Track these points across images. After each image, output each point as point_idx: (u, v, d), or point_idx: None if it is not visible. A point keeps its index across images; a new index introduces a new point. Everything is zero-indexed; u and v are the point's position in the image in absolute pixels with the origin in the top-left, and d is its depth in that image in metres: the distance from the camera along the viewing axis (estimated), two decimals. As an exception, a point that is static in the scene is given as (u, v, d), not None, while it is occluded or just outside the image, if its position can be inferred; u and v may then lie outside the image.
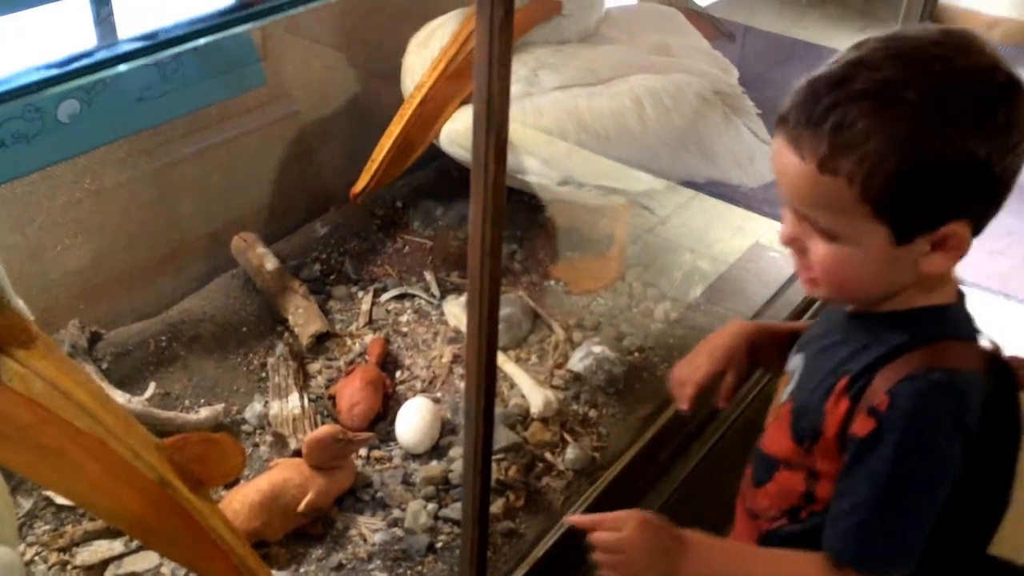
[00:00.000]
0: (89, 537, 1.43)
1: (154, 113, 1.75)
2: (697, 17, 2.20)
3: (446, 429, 1.70)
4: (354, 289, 1.97)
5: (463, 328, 1.90)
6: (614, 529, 1.10)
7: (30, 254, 1.69)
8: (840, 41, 3.32)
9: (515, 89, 1.85)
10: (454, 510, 1.57)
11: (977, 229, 0.99)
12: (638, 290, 2.08)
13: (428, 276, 2.02)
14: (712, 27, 2.23)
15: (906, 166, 0.92)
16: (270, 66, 1.97)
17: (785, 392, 1.16)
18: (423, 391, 1.78)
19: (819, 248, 1.00)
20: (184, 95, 1.78)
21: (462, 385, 1.78)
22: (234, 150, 1.97)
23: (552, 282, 2.08)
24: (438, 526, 1.55)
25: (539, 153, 1.89)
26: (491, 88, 1.12)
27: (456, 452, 1.66)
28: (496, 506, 1.57)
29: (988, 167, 0.93)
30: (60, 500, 1.47)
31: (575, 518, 1.17)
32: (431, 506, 1.57)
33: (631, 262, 2.16)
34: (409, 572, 1.48)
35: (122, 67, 0.81)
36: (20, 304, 0.91)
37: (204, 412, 1.65)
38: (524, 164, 1.90)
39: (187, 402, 1.68)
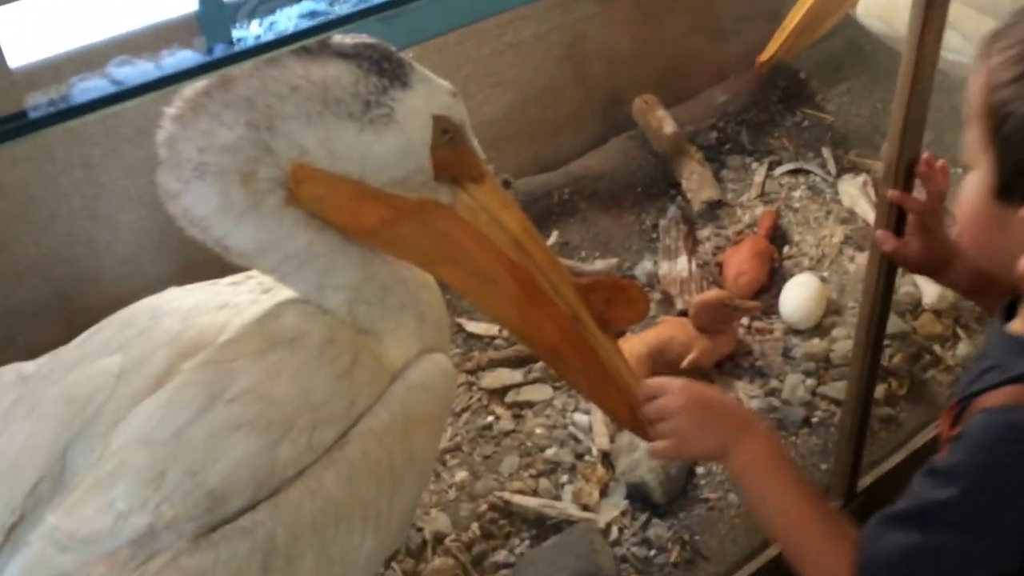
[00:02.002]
0: (493, 364, 1.58)
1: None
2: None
3: (831, 309, 1.69)
4: (748, 160, 1.97)
5: (857, 209, 1.85)
6: (657, 395, 1.05)
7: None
8: None
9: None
10: (833, 388, 1.57)
11: None
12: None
13: (826, 153, 1.97)
14: None
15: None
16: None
17: None
18: (810, 268, 1.76)
19: None
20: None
21: (851, 266, 1.76)
22: (639, 9, 2.00)
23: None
24: (815, 402, 1.56)
25: (962, 28, 1.76)
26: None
27: (839, 332, 1.64)
28: (878, 391, 1.55)
29: None
30: (471, 328, 1.63)
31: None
32: (809, 381, 1.58)
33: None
34: (783, 443, 1.51)
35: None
36: (474, 143, 1.00)
37: (599, 264, 1.75)
38: (952, 41, 1.78)
39: (583, 253, 1.78)
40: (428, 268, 1.05)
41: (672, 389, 1.05)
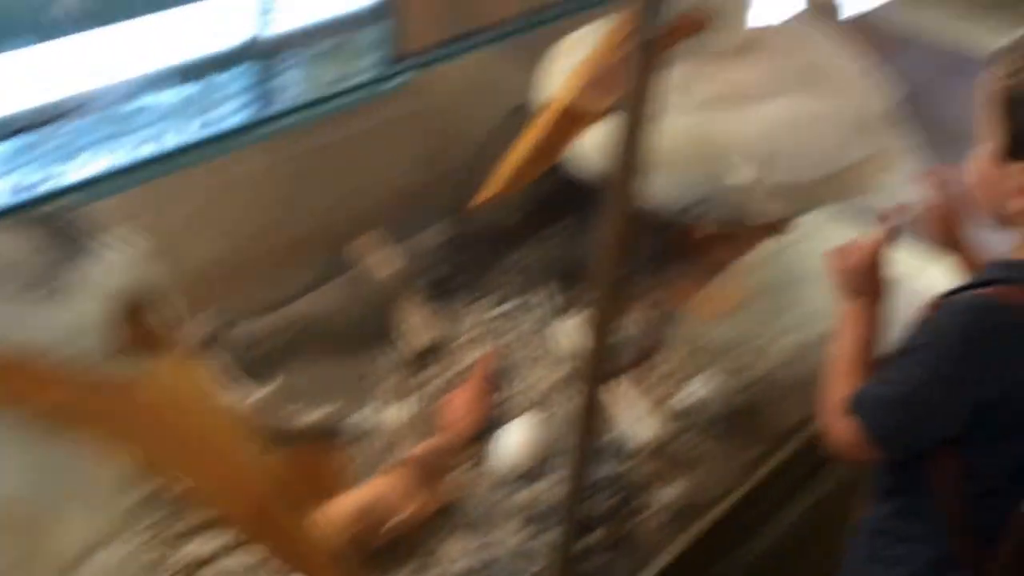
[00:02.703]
0: (196, 531, 1.49)
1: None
2: (854, 30, 2.10)
3: (548, 451, 1.70)
4: (471, 298, 1.98)
5: (574, 349, 1.89)
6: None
7: (171, 242, 1.75)
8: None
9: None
10: (549, 536, 1.56)
11: None
12: (758, 322, 2.03)
13: (548, 290, 2.01)
14: (869, 42, 2.12)
15: None
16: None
17: None
18: (528, 410, 1.78)
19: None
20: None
21: (568, 407, 1.78)
22: (363, 144, 1.99)
23: (677, 306, 2.04)
24: (531, 549, 1.55)
25: (675, 172, 1.84)
26: (636, 111, 1.11)
27: (556, 476, 1.65)
28: (589, 539, 1.56)
29: None
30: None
31: None
32: (525, 531, 1.57)
33: (755, 291, 2.10)
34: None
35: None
36: (164, 312, 0.95)
37: (314, 415, 1.69)
38: (658, 182, 1.85)
39: (298, 403, 1.73)
40: (112, 445, 0.98)
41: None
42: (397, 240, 2.03)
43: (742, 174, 1.84)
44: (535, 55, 1.94)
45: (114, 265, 0.90)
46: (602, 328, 1.20)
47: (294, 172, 1.91)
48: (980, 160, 1.24)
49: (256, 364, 1.72)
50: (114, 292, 0.90)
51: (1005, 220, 1.24)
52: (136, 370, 0.93)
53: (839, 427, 1.30)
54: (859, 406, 1.28)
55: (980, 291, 1.21)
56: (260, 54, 1.67)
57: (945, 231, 1.50)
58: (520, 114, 1.90)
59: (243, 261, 1.85)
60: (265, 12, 1.48)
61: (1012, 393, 1.18)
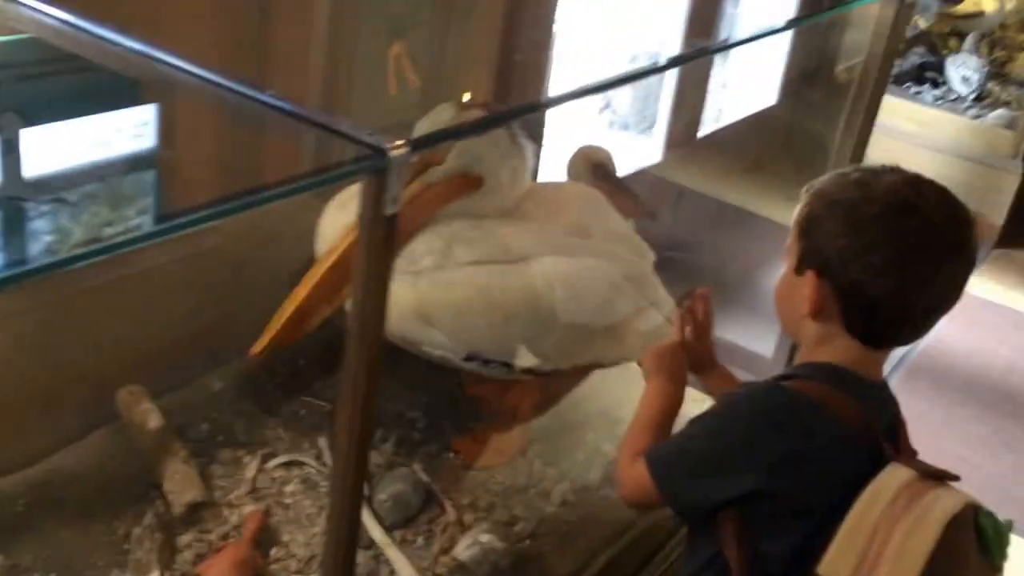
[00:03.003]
0: None
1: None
2: (620, 194, 2.21)
3: (318, 618, 1.62)
4: (241, 453, 1.89)
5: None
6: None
7: None
8: (772, 210, 3.39)
9: (428, 261, 1.86)
10: None
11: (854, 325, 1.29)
12: (538, 468, 2.04)
13: (322, 443, 1.95)
14: (634, 205, 2.23)
15: (818, 211, 1.30)
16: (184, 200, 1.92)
17: None
18: (299, 572, 1.70)
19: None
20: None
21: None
22: (131, 291, 1.91)
23: (452, 454, 2.03)
24: None
25: (446, 328, 1.86)
26: (365, 306, 1.10)
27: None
28: None
29: (880, 277, 1.25)
30: None
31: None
32: None
33: (534, 437, 2.11)
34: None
35: None
36: None
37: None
38: (431, 337, 1.86)
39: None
40: None
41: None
42: (169, 389, 1.95)
43: (515, 327, 1.88)
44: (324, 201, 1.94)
45: None
46: (349, 485, 1.18)
47: (54, 317, 1.80)
48: (780, 280, 1.38)
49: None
50: None
51: (797, 332, 1.38)
52: None
53: (629, 473, 1.39)
54: (649, 454, 1.37)
55: (779, 379, 1.33)
56: (24, 194, 1.59)
57: (697, 358, 1.63)
58: (307, 260, 1.89)
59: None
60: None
61: (784, 479, 1.25)
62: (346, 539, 1.21)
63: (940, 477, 1.25)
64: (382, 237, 1.00)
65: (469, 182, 1.85)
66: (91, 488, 1.71)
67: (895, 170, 1.31)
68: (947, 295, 1.28)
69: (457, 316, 1.84)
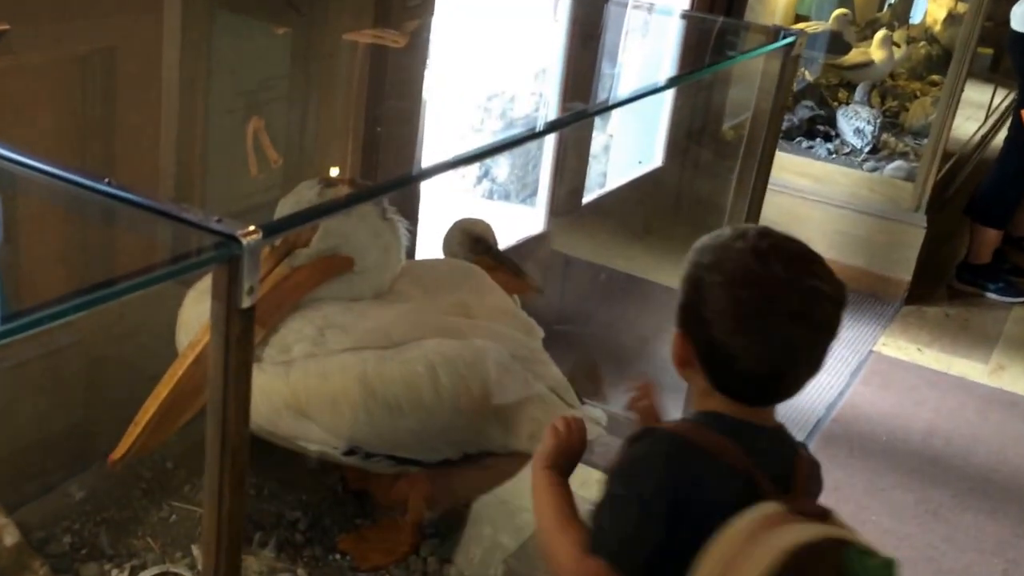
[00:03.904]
0: None
1: None
2: (502, 270, 2.27)
3: None
4: (108, 566, 1.90)
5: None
6: None
7: None
8: (662, 275, 3.48)
9: (299, 348, 1.88)
10: None
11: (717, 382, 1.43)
12: (433, 567, 2.06)
13: (195, 550, 1.95)
14: (518, 280, 2.29)
15: (688, 269, 1.44)
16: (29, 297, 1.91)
17: None
18: None
19: None
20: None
21: None
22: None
23: (338, 556, 2.03)
24: None
25: (323, 420, 1.88)
26: (224, 405, 1.11)
27: None
28: None
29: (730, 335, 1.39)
30: None
31: None
32: None
33: (427, 532, 2.13)
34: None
35: None
36: None
37: None
38: (307, 431, 1.88)
39: None
40: None
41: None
42: (24, 500, 1.93)
43: (398, 417, 1.90)
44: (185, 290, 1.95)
45: None
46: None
47: None
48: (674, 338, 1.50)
49: None
50: None
51: (688, 383, 1.52)
52: None
53: (584, 570, 1.41)
54: (596, 547, 1.41)
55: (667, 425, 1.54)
56: None
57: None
58: (169, 355, 1.89)
59: None
60: None
61: (681, 527, 1.35)
62: None
63: (812, 514, 1.35)
64: (238, 332, 1.02)
65: (338, 263, 1.89)
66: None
67: (760, 234, 1.44)
68: (800, 359, 1.42)
69: (334, 408, 1.86)
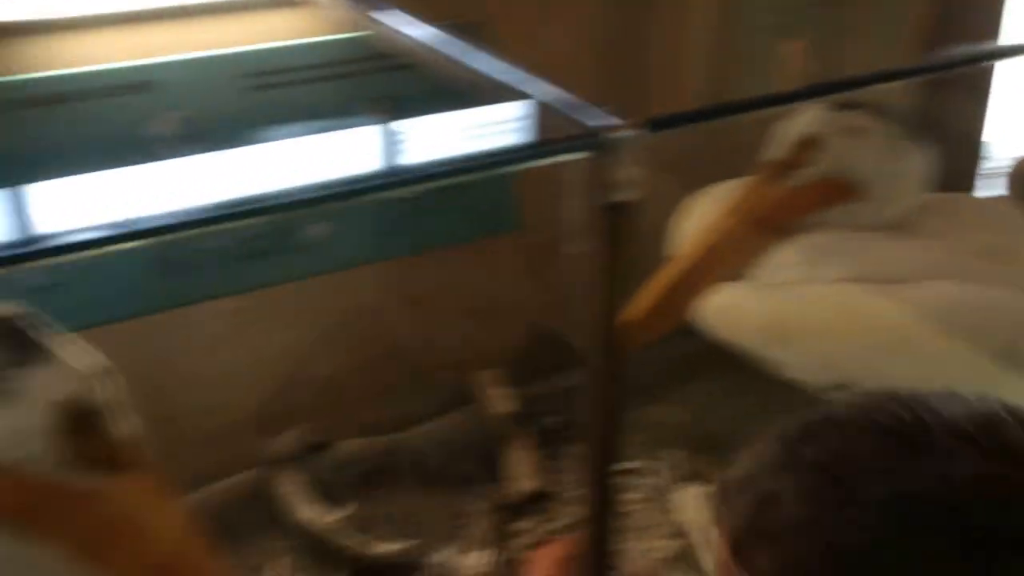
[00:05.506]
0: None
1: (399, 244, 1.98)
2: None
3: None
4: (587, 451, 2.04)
5: (695, 520, 1.89)
6: None
7: (284, 353, 1.95)
8: None
9: (790, 272, 1.85)
10: None
11: None
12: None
13: (671, 455, 2.04)
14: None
15: None
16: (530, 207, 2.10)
17: None
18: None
19: None
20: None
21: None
22: (490, 285, 2.13)
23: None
24: None
25: (813, 349, 1.84)
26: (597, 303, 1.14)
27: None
28: None
29: None
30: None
31: None
32: None
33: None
34: None
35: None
36: (123, 429, 1.06)
37: (395, 545, 1.81)
38: (792, 360, 1.86)
39: (384, 530, 1.85)
40: (71, 557, 1.10)
41: None
42: (525, 380, 2.15)
43: (895, 360, 1.81)
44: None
45: (60, 377, 0.99)
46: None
47: (420, 294, 2.07)
48: None
49: (345, 487, 1.86)
50: (57, 403, 0.98)
51: None
52: (90, 483, 1.01)
53: None
54: None
55: None
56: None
57: None
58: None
59: (359, 382, 2.02)
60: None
61: None
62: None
63: None
64: (608, 227, 1.03)
65: (840, 190, 1.83)
66: (442, 461, 1.98)
67: None
68: None
69: (819, 337, 1.82)
